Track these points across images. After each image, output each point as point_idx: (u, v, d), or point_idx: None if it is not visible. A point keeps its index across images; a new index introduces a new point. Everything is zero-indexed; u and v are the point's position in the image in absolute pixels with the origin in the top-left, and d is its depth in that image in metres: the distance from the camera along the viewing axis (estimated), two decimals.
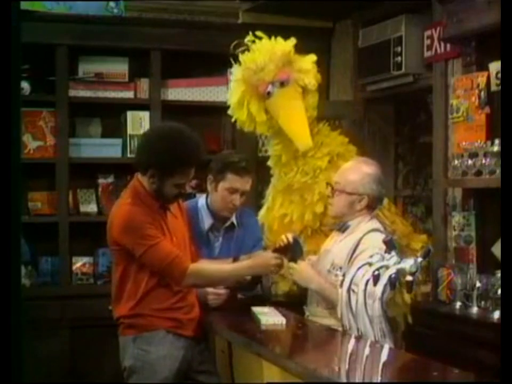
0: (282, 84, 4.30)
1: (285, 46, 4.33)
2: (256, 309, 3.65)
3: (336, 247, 3.73)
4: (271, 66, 4.27)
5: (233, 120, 4.47)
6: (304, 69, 4.31)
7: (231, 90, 4.45)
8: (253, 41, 4.33)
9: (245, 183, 3.93)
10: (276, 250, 3.70)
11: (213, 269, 3.68)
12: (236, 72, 4.41)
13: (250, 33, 4.32)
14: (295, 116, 4.30)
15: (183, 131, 3.54)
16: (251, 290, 3.97)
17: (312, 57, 4.36)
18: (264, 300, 3.94)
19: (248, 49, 4.34)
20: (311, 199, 4.27)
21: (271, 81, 4.28)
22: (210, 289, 3.80)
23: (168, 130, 3.63)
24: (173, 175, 3.47)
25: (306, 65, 4.32)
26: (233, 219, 4.05)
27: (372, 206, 3.71)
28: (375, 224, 3.69)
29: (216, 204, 3.99)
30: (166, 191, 3.50)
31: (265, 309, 3.65)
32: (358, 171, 3.72)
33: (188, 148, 3.47)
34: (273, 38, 4.34)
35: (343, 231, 3.71)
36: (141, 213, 3.46)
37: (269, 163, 4.53)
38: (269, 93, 4.30)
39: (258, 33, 4.32)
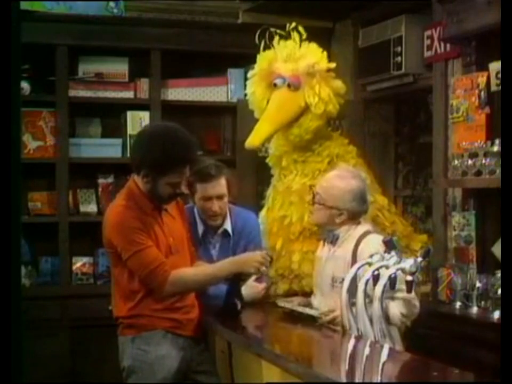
0: (289, 86, 4.28)
1: (322, 62, 4.27)
2: (300, 308, 3.65)
3: (331, 259, 3.67)
4: (292, 65, 4.26)
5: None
6: (316, 92, 4.22)
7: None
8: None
9: (215, 187, 3.82)
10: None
11: (195, 273, 3.61)
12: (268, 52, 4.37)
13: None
14: (270, 116, 4.26)
15: (175, 130, 3.51)
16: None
17: (339, 87, 4.30)
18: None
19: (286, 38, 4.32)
20: None
21: (282, 76, 4.27)
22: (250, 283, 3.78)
23: (160, 130, 3.61)
24: (165, 174, 3.43)
25: (324, 92, 4.23)
26: (228, 226, 3.95)
27: (353, 218, 3.64)
28: (365, 227, 3.65)
29: (201, 214, 3.94)
30: (159, 190, 3.47)
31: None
32: (340, 186, 3.63)
33: (180, 147, 3.43)
34: (323, 54, 4.31)
35: (334, 243, 3.67)
36: (131, 217, 3.43)
37: (268, 161, 4.52)
38: (275, 85, 4.30)
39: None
